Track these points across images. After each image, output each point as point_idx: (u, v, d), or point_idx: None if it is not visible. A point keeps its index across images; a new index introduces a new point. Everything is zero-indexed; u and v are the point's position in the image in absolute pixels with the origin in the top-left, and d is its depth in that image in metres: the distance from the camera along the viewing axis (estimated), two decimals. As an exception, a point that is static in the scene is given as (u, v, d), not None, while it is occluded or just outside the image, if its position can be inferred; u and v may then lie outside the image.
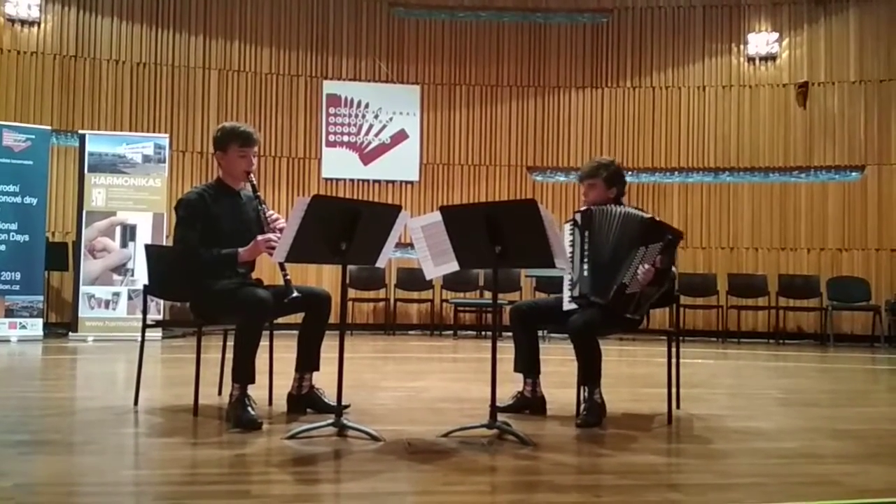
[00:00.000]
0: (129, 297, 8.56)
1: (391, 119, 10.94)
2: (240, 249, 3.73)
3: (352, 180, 10.85)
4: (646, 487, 2.68)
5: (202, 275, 3.78)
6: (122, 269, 8.62)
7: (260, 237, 3.71)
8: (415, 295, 10.46)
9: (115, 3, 10.15)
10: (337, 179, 10.80)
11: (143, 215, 8.70)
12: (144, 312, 4.22)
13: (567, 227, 4.00)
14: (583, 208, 4.01)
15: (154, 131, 9.78)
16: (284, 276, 3.75)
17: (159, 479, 2.75)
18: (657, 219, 3.91)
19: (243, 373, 3.59)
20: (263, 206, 3.87)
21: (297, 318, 3.94)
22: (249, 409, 3.52)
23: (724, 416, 4.14)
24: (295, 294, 3.70)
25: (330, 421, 3.37)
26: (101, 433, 3.43)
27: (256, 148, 3.94)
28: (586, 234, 3.90)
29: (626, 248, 3.78)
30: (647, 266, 3.69)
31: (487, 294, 10.08)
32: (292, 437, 3.27)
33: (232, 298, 3.67)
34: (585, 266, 3.87)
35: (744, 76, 10.85)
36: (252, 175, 3.92)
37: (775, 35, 10.75)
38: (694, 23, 10.97)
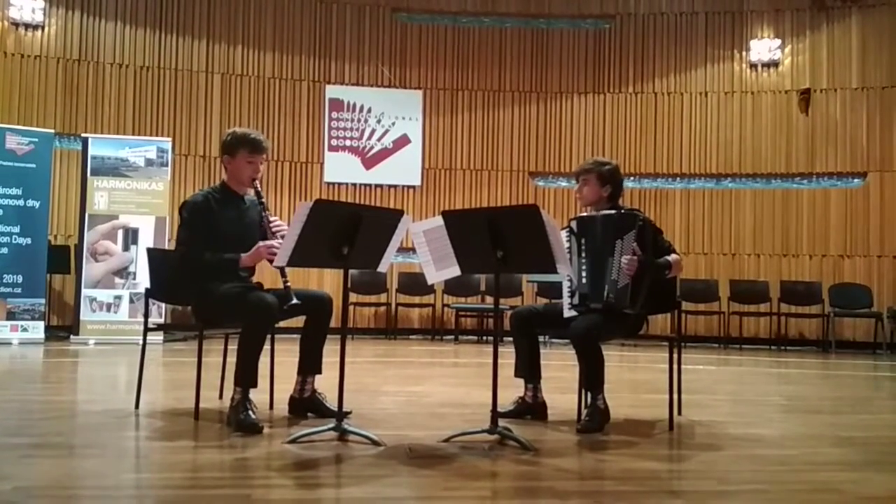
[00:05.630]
0: (131, 301, 8.57)
1: (393, 124, 10.95)
2: (242, 255, 3.74)
3: (354, 185, 10.87)
4: (647, 493, 2.67)
5: (201, 278, 3.78)
6: (123, 272, 8.63)
7: (262, 243, 3.71)
8: (416, 299, 10.46)
9: (119, 7, 10.19)
10: (339, 184, 10.81)
11: (146, 219, 8.70)
12: (146, 316, 4.23)
13: (563, 234, 3.98)
14: (579, 215, 4.02)
15: (157, 135, 9.80)
16: (284, 282, 3.73)
17: (160, 482, 2.75)
18: (627, 208, 3.96)
19: (247, 376, 3.59)
20: (266, 212, 3.88)
21: (299, 321, 3.94)
22: (250, 412, 3.52)
23: (725, 422, 4.13)
24: (294, 301, 3.67)
25: (331, 425, 3.37)
26: (102, 436, 3.43)
27: (264, 156, 3.96)
28: (582, 240, 3.92)
29: (609, 247, 3.81)
30: (627, 257, 3.72)
31: (489, 299, 10.08)
32: (293, 441, 3.27)
33: (240, 302, 3.66)
34: (584, 273, 3.88)
35: (746, 82, 10.86)
36: (257, 182, 3.93)
37: (777, 42, 10.77)
38: (696, 29, 10.98)
